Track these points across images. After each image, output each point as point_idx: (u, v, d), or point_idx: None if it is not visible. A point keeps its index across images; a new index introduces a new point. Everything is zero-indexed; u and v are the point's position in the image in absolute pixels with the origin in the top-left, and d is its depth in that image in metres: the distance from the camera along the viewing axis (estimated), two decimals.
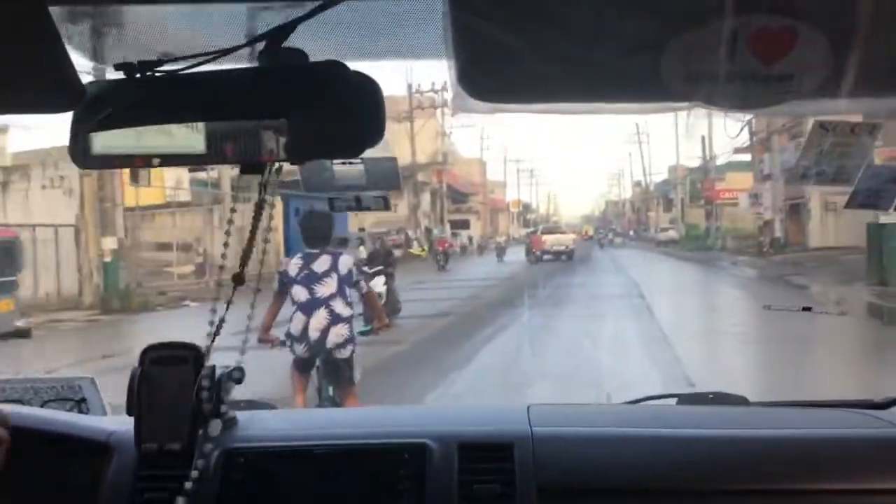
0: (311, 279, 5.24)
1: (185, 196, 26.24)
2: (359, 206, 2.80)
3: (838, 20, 1.04)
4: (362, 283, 5.53)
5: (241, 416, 1.79)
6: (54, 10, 0.90)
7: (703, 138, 44.06)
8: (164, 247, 25.13)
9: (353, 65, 1.07)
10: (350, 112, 1.06)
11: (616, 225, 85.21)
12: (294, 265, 5.30)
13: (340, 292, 5.25)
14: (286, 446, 1.60)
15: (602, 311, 15.19)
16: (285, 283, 5.28)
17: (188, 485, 1.52)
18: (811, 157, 1.87)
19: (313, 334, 5.19)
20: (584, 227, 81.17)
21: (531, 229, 39.94)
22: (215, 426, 1.61)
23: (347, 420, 1.93)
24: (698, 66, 1.06)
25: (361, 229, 22.41)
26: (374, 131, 1.07)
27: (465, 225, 43.41)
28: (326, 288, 5.23)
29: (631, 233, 75.72)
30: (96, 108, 1.05)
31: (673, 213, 57.32)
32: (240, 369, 1.76)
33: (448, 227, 42.29)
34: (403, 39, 1.21)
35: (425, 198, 44.82)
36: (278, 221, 23.41)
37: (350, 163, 2.41)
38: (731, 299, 17.85)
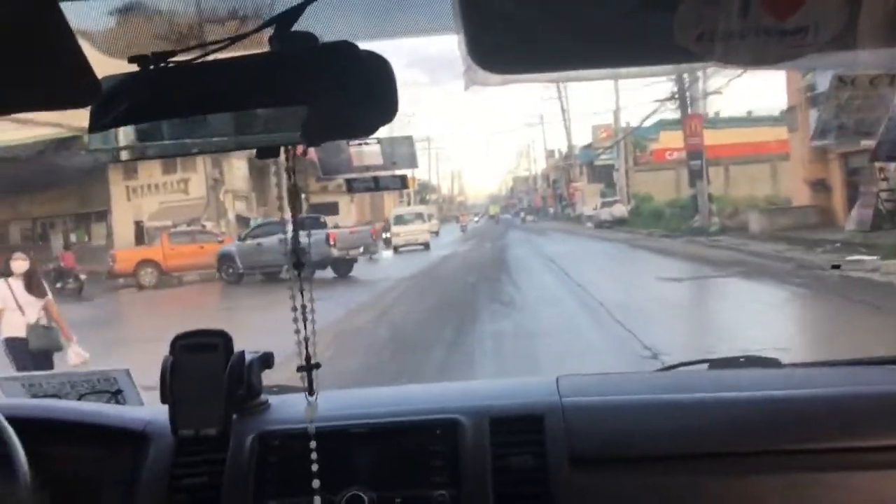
0: None
1: None
2: (377, 186, 2.80)
3: None
4: None
5: (273, 399, 1.82)
6: (65, 6, 0.91)
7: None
8: None
9: (364, 44, 1.06)
10: (363, 92, 1.05)
11: (527, 202, 75.85)
12: None
13: None
14: (319, 427, 1.62)
15: None
16: None
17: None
18: (831, 110, 1.84)
19: None
20: (491, 206, 74.12)
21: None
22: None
23: (379, 399, 1.94)
24: (711, 24, 1.05)
25: None
26: (387, 110, 1.07)
27: (331, 210, 29.16)
28: None
29: (551, 210, 63.98)
30: (113, 102, 1.06)
31: (616, 179, 41.57)
32: (269, 354, 1.78)
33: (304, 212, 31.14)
34: (413, 16, 1.20)
35: (237, 168, 29.40)
36: None
37: (366, 143, 2.41)
38: None
